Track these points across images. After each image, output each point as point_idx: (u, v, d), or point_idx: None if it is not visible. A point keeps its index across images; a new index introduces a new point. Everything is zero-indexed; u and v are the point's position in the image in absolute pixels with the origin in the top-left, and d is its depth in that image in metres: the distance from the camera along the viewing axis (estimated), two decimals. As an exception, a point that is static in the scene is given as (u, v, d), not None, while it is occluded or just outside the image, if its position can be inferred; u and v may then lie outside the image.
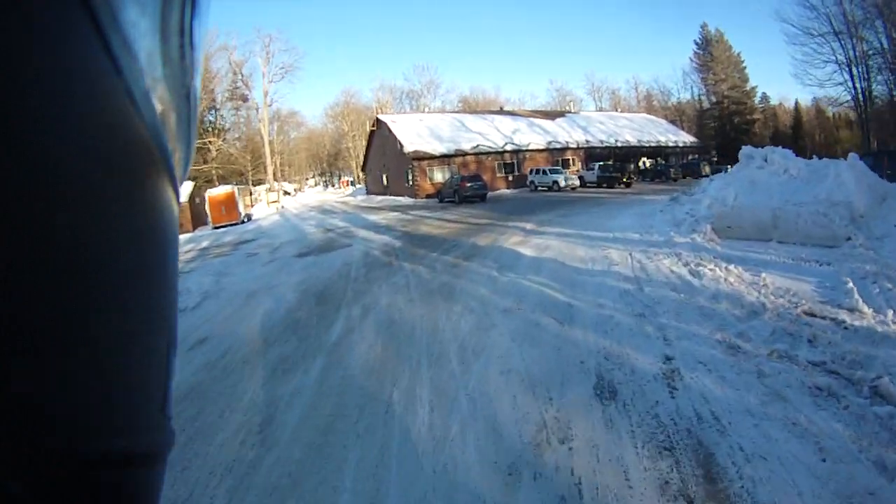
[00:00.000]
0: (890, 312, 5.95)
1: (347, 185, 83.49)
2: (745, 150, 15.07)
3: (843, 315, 6.06)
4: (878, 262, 8.36)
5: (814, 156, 15.75)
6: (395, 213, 27.27)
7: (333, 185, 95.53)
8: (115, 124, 0.34)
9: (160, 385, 0.42)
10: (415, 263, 11.76)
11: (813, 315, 6.18)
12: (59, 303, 0.30)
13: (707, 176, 46.93)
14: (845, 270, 8.03)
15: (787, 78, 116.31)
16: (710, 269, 8.61)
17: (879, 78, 45.20)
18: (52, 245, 0.29)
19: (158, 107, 0.38)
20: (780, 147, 15.09)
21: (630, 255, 10.48)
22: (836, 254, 9.26)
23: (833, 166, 12.43)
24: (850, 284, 7.10)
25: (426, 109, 64.34)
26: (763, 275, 8.09)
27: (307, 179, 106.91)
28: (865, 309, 6.16)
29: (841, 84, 48.21)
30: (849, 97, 48.11)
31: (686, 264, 9.17)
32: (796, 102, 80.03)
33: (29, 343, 0.27)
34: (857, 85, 46.64)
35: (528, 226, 16.76)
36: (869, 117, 46.07)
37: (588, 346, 5.83)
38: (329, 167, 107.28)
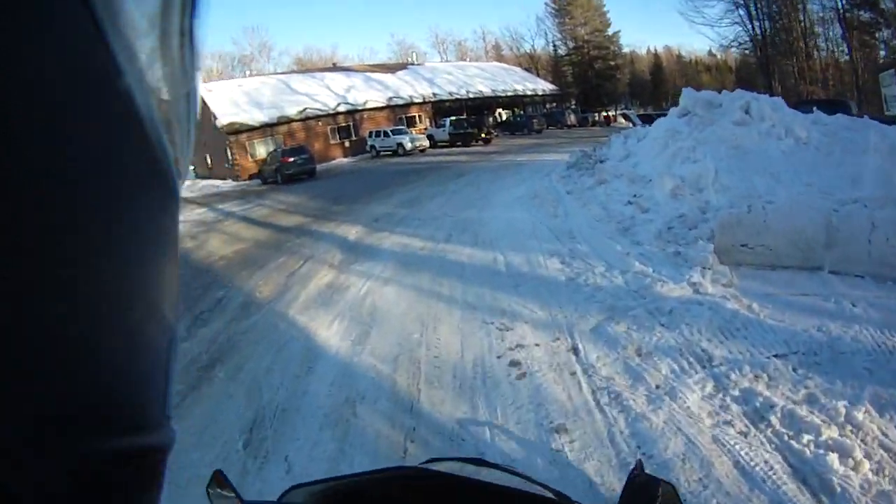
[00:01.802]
0: None
1: (185, 168, 74.72)
2: (698, 94, 10.35)
3: None
4: None
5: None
6: (201, 211, 20.50)
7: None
8: (115, 124, 0.33)
9: (160, 384, 0.41)
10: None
11: None
12: (60, 302, 0.29)
13: (570, 126, 44.03)
14: None
15: (643, 24, 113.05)
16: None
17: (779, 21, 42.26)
18: (51, 244, 0.29)
19: (158, 107, 0.37)
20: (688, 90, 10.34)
21: (581, 365, 4.63)
22: None
23: (875, 131, 7.97)
24: None
25: (248, 74, 55.50)
26: None
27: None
28: None
29: (738, 23, 44.08)
30: (747, 38, 44.02)
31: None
32: (654, 48, 79.71)
33: (29, 343, 0.27)
34: (756, 24, 42.72)
35: (354, 232, 10.87)
36: (770, 59, 42.01)
37: None
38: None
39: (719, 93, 10.69)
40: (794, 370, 4.09)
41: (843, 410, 3.52)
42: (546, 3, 66.78)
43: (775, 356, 4.31)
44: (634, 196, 8.72)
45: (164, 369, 0.41)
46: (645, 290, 5.70)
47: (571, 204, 9.76)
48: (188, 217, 18.90)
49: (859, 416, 3.46)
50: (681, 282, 5.75)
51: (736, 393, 3.87)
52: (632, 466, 1.18)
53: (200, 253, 11.82)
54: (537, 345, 4.90)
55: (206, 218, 17.93)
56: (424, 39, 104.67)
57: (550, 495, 1.14)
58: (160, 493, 0.39)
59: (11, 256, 0.26)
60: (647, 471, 1.34)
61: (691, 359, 4.37)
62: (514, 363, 4.66)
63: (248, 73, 61.32)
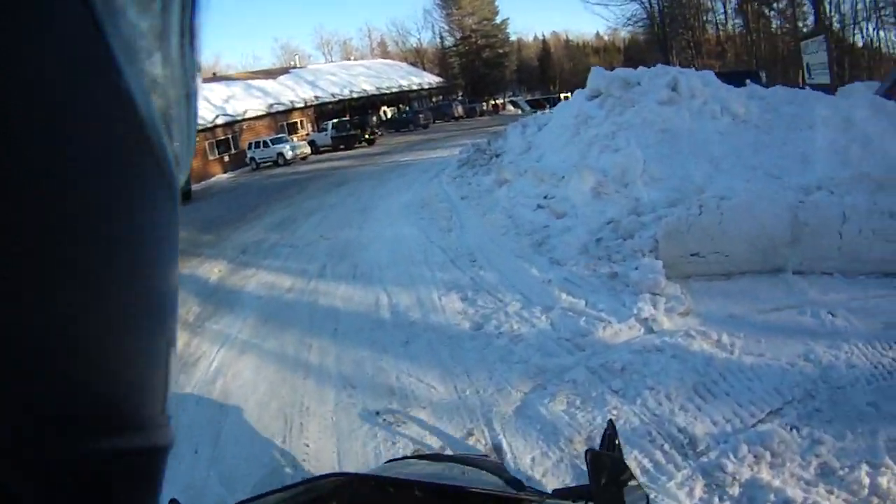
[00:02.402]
0: None
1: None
2: (612, 73, 9.71)
3: None
4: None
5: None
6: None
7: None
8: (115, 124, 0.34)
9: (160, 385, 0.41)
10: None
11: None
12: (59, 303, 0.30)
13: (458, 118, 43.31)
14: None
15: (532, 10, 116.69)
16: None
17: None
18: (51, 244, 0.29)
19: (158, 107, 0.38)
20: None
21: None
22: None
23: (821, 103, 7.33)
24: None
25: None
26: None
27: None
28: None
29: (634, 0, 43.15)
30: (644, 14, 43.18)
31: None
32: (543, 34, 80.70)
33: (29, 343, 0.28)
34: (653, 2, 41.83)
35: (216, 271, 9.27)
36: (668, 35, 41.79)
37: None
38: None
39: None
40: (798, 431, 3.22)
41: (866, 480, 2.85)
42: (434, -5, 65.98)
43: (771, 414, 3.40)
44: (545, 198, 7.52)
45: (164, 369, 0.40)
46: (581, 337, 4.50)
47: (468, 212, 8.54)
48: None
49: (884, 482, 2.82)
50: (627, 318, 4.61)
51: (736, 491, 2.85)
52: (605, 428, 1.21)
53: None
54: (443, 447, 3.58)
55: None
56: (310, 42, 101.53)
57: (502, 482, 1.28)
58: (160, 492, 0.39)
59: (11, 256, 0.26)
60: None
61: (666, 445, 3.27)
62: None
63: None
